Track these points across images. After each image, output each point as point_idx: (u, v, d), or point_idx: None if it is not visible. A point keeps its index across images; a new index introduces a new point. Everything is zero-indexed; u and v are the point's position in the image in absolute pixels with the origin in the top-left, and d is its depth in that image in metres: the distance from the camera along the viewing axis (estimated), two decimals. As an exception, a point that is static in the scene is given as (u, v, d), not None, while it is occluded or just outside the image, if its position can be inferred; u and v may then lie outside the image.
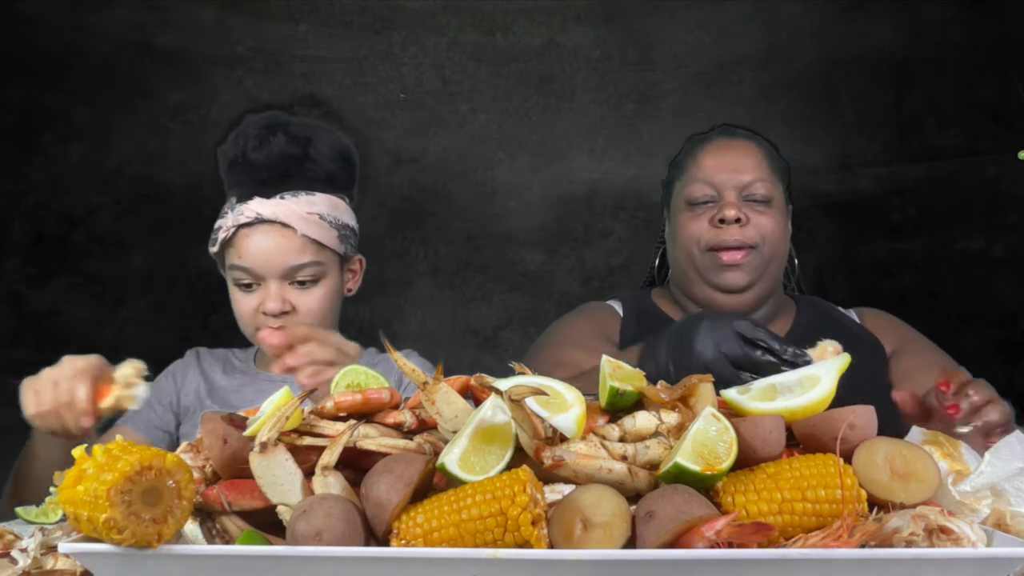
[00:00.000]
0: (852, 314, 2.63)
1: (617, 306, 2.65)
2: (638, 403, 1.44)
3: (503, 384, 1.34)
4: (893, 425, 1.55)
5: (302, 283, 2.44)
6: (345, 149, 2.59)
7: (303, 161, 2.48)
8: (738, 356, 1.85)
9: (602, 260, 4.50)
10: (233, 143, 2.52)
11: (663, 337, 1.99)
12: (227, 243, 2.45)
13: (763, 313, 2.54)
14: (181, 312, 4.30)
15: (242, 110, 4.29)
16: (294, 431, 1.38)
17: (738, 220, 2.42)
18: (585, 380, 1.71)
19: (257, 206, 2.42)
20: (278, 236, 2.41)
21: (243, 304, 2.46)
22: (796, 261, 2.69)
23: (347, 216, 2.55)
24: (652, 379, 1.81)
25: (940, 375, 1.92)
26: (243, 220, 2.42)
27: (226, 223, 2.45)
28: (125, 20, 4.27)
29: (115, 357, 3.96)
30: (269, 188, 2.44)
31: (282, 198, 2.43)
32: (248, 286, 2.44)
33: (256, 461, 1.32)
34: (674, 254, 2.56)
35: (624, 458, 1.35)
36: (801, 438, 1.39)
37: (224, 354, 2.69)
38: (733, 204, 2.44)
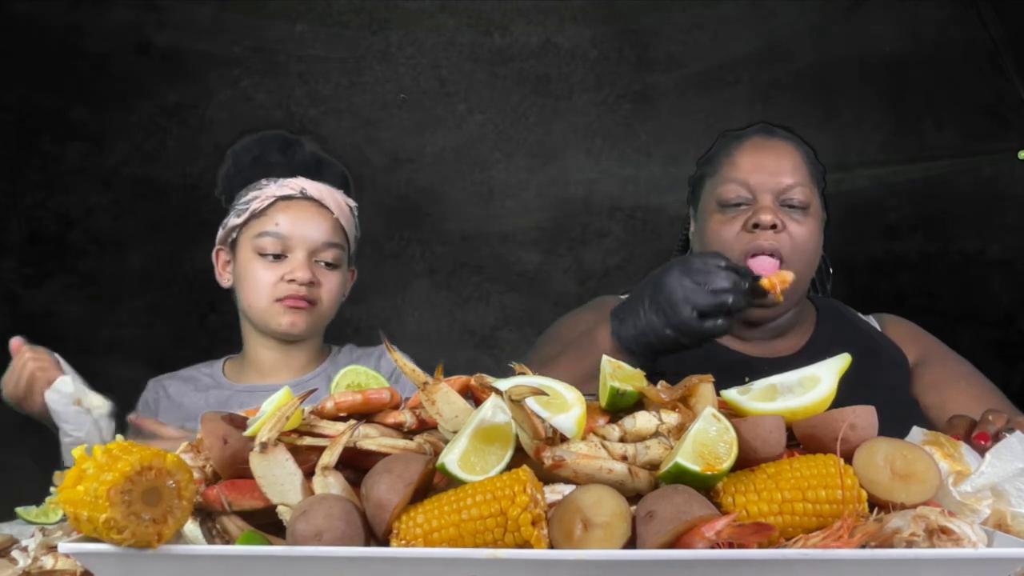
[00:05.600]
0: (872, 321, 2.58)
1: None
2: (638, 403, 1.44)
3: (503, 384, 1.35)
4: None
5: (326, 264, 2.55)
6: (346, 175, 2.72)
7: (317, 175, 2.62)
8: (706, 305, 1.93)
9: (599, 260, 4.49)
10: (250, 146, 2.64)
11: (642, 292, 2.02)
12: (259, 213, 2.54)
13: (785, 320, 2.49)
14: (178, 313, 4.30)
15: (239, 109, 4.31)
16: (294, 431, 1.38)
17: (774, 226, 2.31)
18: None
19: (302, 183, 2.56)
20: (316, 213, 2.55)
21: (262, 274, 2.52)
22: (831, 270, 2.65)
23: (358, 224, 2.69)
24: (641, 340, 1.97)
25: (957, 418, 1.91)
26: (287, 192, 2.54)
27: (264, 193, 2.55)
28: (122, 19, 4.26)
29: (112, 357, 3.95)
30: (312, 173, 2.60)
31: (324, 185, 2.60)
32: (274, 257, 2.51)
33: (256, 461, 1.31)
34: None
35: (624, 458, 1.35)
36: (801, 438, 1.39)
37: (190, 374, 2.69)
38: (769, 208, 2.33)
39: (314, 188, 2.56)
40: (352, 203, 2.65)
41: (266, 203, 2.53)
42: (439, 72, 4.49)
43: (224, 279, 2.63)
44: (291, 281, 2.48)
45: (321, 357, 2.68)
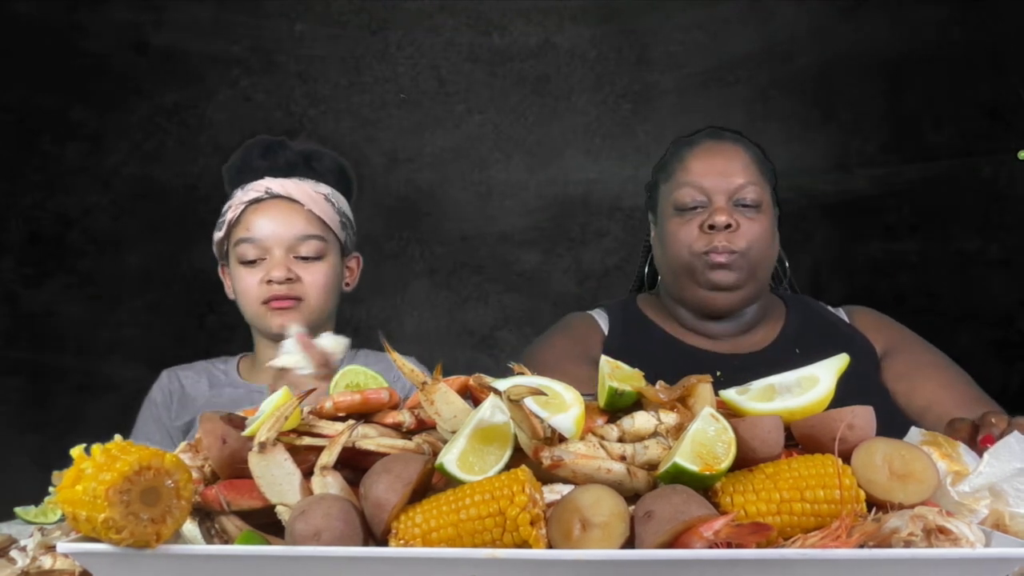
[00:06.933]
0: (842, 313, 2.62)
1: (602, 319, 2.63)
2: (637, 403, 1.44)
3: (502, 384, 1.34)
4: (886, 425, 1.55)
5: (306, 258, 2.52)
6: (343, 165, 2.70)
7: (307, 171, 2.61)
8: None
9: (598, 260, 4.49)
10: (238, 155, 2.63)
11: None
12: (235, 223, 2.54)
13: (752, 314, 2.54)
14: (177, 313, 4.30)
15: (238, 109, 4.31)
16: (293, 431, 1.38)
17: (728, 226, 2.40)
18: None
19: (267, 183, 2.54)
20: (286, 210, 2.52)
21: (247, 280, 2.52)
22: (787, 264, 2.69)
23: (348, 210, 2.66)
24: None
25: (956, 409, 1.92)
26: (252, 196, 2.52)
27: (234, 203, 2.55)
28: (121, 19, 4.27)
29: (111, 357, 3.95)
30: (279, 172, 2.57)
31: (291, 179, 2.56)
32: (253, 262, 2.50)
33: (255, 461, 1.32)
34: (663, 260, 2.54)
35: (623, 458, 1.35)
36: (800, 438, 1.39)
37: (204, 367, 2.68)
38: (724, 210, 2.42)
39: (279, 185, 2.54)
40: (327, 190, 2.60)
41: (238, 211, 2.53)
42: (438, 72, 4.49)
43: (230, 292, 2.63)
44: (270, 282, 2.48)
45: None
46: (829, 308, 2.65)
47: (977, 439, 1.75)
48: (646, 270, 2.75)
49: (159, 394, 2.62)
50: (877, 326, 2.58)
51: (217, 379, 2.65)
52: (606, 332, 2.58)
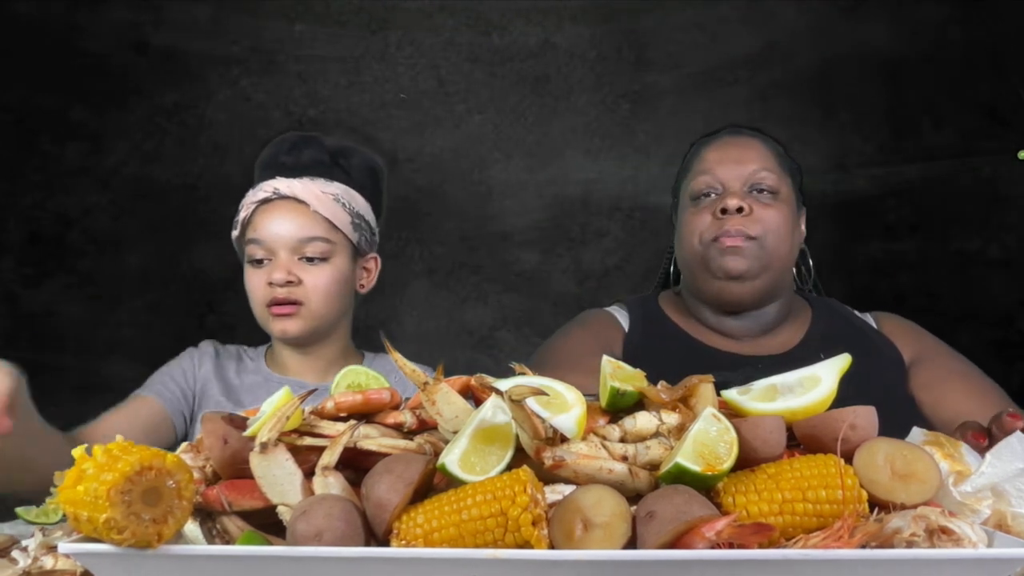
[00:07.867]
0: (869, 319, 2.57)
1: (622, 315, 2.57)
2: (639, 403, 1.44)
3: (503, 384, 1.34)
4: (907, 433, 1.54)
5: (310, 260, 2.50)
6: (373, 164, 2.69)
7: (332, 168, 2.59)
8: None
9: (598, 260, 4.49)
10: (267, 150, 2.63)
11: None
12: (247, 223, 2.54)
13: (774, 313, 2.49)
14: (177, 312, 4.30)
15: (238, 109, 4.31)
16: (294, 431, 1.37)
17: (740, 210, 2.35)
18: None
19: (276, 183, 2.52)
20: (291, 211, 2.51)
21: (254, 280, 2.52)
22: (811, 263, 2.65)
23: (365, 211, 2.64)
24: None
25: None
26: (261, 196, 2.52)
27: (246, 202, 2.55)
28: (121, 19, 4.28)
29: (111, 357, 3.94)
30: (292, 171, 2.55)
31: (301, 179, 2.53)
32: (260, 262, 2.51)
33: (256, 461, 1.31)
34: (680, 252, 2.50)
35: (625, 458, 1.35)
36: (802, 439, 1.39)
37: (237, 351, 2.71)
38: (736, 194, 2.37)
39: (286, 186, 2.51)
40: (337, 190, 2.56)
41: (250, 211, 2.52)
42: (438, 72, 4.50)
43: None
44: (271, 284, 2.48)
45: (350, 361, 2.65)
46: (856, 312, 2.59)
47: (1001, 418, 1.69)
48: (671, 268, 2.69)
49: (196, 352, 2.67)
50: (905, 333, 2.52)
51: (245, 365, 2.66)
52: (626, 329, 2.53)
